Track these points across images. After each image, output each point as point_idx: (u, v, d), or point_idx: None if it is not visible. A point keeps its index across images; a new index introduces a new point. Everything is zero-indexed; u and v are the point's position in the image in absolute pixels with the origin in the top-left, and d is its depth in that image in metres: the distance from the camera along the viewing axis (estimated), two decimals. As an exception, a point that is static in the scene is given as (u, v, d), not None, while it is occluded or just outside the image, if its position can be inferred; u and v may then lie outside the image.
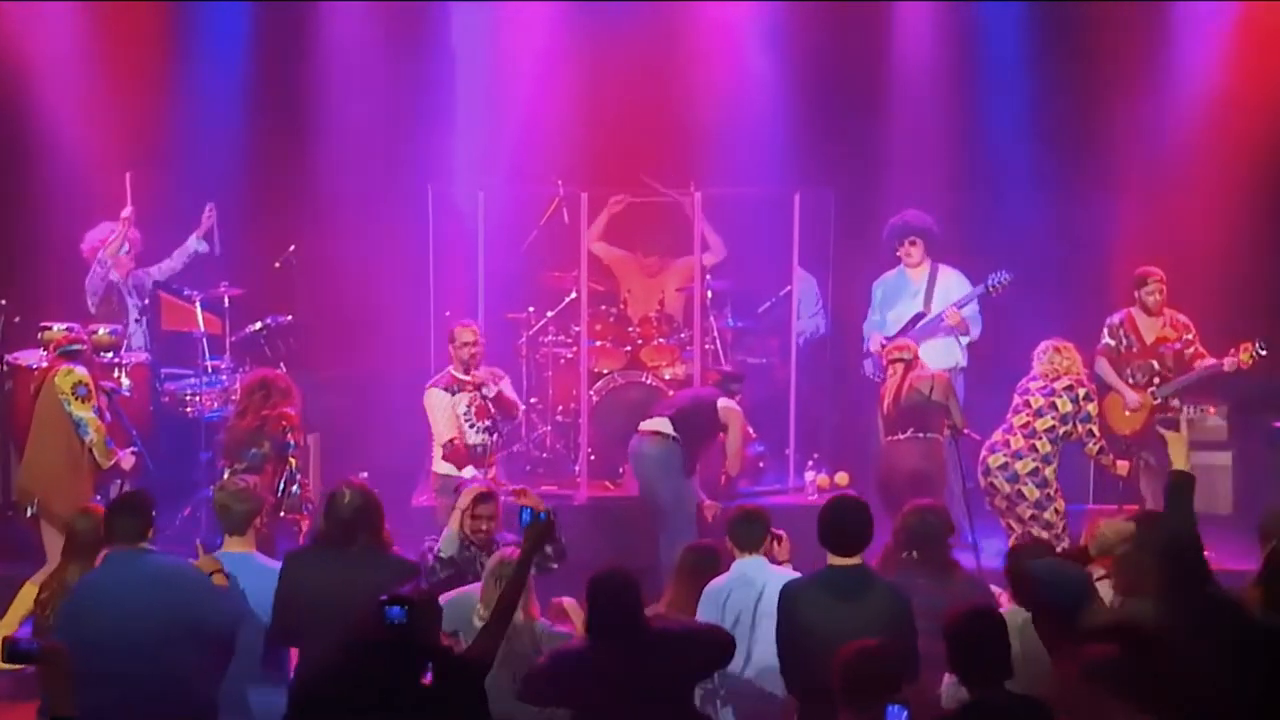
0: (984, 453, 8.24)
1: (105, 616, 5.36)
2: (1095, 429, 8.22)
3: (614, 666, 5.13)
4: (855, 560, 5.53)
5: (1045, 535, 7.88)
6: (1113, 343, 8.93)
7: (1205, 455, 9.41)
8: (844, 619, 5.30)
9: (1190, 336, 8.85)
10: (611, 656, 5.16)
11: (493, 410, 8.39)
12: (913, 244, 9.30)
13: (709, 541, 6.94)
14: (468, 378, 8.35)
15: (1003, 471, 8.12)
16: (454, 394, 8.35)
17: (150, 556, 5.56)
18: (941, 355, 9.12)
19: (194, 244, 9.71)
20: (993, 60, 10.68)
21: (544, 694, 5.28)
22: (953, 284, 9.28)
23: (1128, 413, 8.81)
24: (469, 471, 8.14)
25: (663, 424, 8.47)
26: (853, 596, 5.44)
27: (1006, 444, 8.16)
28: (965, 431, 8.33)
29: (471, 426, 8.34)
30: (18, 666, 4.72)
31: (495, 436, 8.46)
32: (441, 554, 6.52)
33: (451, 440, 8.28)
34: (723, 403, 8.59)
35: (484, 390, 8.28)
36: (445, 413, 8.32)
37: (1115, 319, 8.98)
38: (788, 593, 5.61)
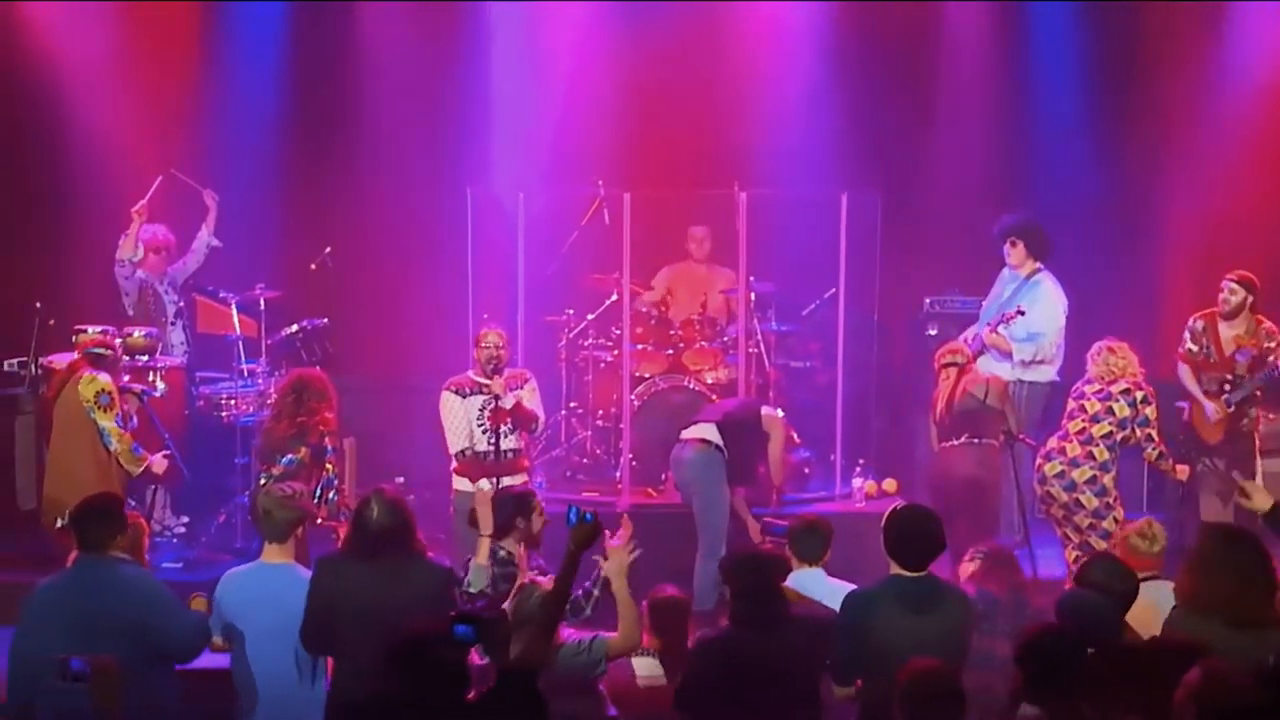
0: (1039, 460, 7.99)
1: (59, 620, 5.23)
2: (1154, 433, 7.94)
3: (759, 652, 5.10)
4: (924, 573, 5.33)
5: (1104, 545, 7.63)
6: (1195, 348, 8.68)
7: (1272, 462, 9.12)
8: (914, 633, 5.16)
9: (1273, 344, 8.54)
10: (755, 642, 5.12)
11: (508, 420, 8.02)
12: (1012, 244, 9.05)
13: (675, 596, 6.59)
14: (487, 381, 8.05)
15: (1059, 480, 7.86)
16: (466, 397, 8.08)
17: (117, 566, 5.40)
18: (1024, 371, 8.86)
19: (206, 236, 9.63)
20: (1043, 60, 10.54)
21: (698, 699, 5.24)
22: (1036, 295, 8.95)
23: (1210, 422, 8.56)
24: (483, 485, 7.88)
25: (709, 430, 8.29)
26: (923, 609, 5.28)
27: (1062, 451, 7.90)
28: (1020, 437, 8.09)
29: (484, 433, 8.02)
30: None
31: (519, 441, 8.12)
32: (470, 589, 6.12)
33: (462, 452, 8.02)
34: (766, 410, 8.49)
35: (501, 400, 7.96)
36: (458, 419, 8.03)
37: (1198, 324, 8.73)
38: (855, 602, 5.45)
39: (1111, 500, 7.84)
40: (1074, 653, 4.62)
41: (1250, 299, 8.60)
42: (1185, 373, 8.68)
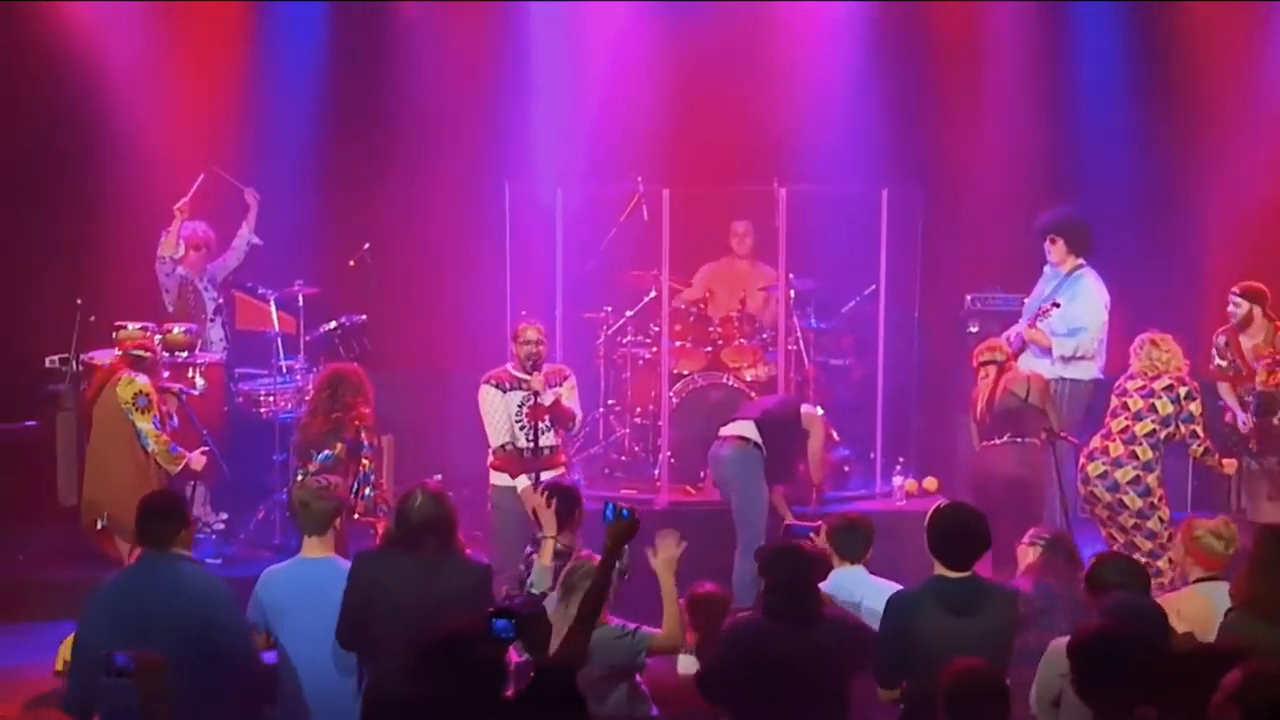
0: (1082, 460, 7.86)
1: (121, 617, 5.22)
2: (1199, 429, 7.77)
3: (789, 646, 5.08)
4: (968, 573, 5.27)
5: (1149, 545, 7.53)
6: (1223, 363, 8.58)
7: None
8: (957, 634, 5.10)
9: None
10: (787, 636, 5.10)
11: (546, 416, 7.99)
12: (1052, 242, 8.94)
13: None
14: (526, 377, 8.01)
15: (1102, 480, 7.73)
16: (506, 391, 8.04)
17: (179, 565, 5.39)
18: (1067, 368, 8.76)
19: (247, 234, 9.66)
20: (1086, 55, 10.44)
21: (721, 687, 5.21)
22: (1076, 291, 8.84)
23: (1244, 432, 8.44)
24: (522, 482, 7.86)
25: (747, 428, 8.24)
26: (966, 610, 5.22)
27: (1105, 451, 7.77)
28: (1062, 435, 7.99)
29: (521, 429, 7.98)
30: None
31: (557, 437, 8.10)
32: (534, 590, 6.07)
33: (503, 446, 7.99)
34: (806, 408, 8.45)
35: (540, 397, 7.93)
36: (498, 413, 7.99)
37: (1220, 339, 8.64)
38: (898, 603, 5.39)
39: (1156, 500, 7.70)
40: (1126, 655, 4.55)
41: (1256, 309, 8.50)
42: (1224, 389, 8.57)
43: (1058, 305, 8.65)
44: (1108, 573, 5.33)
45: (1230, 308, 8.59)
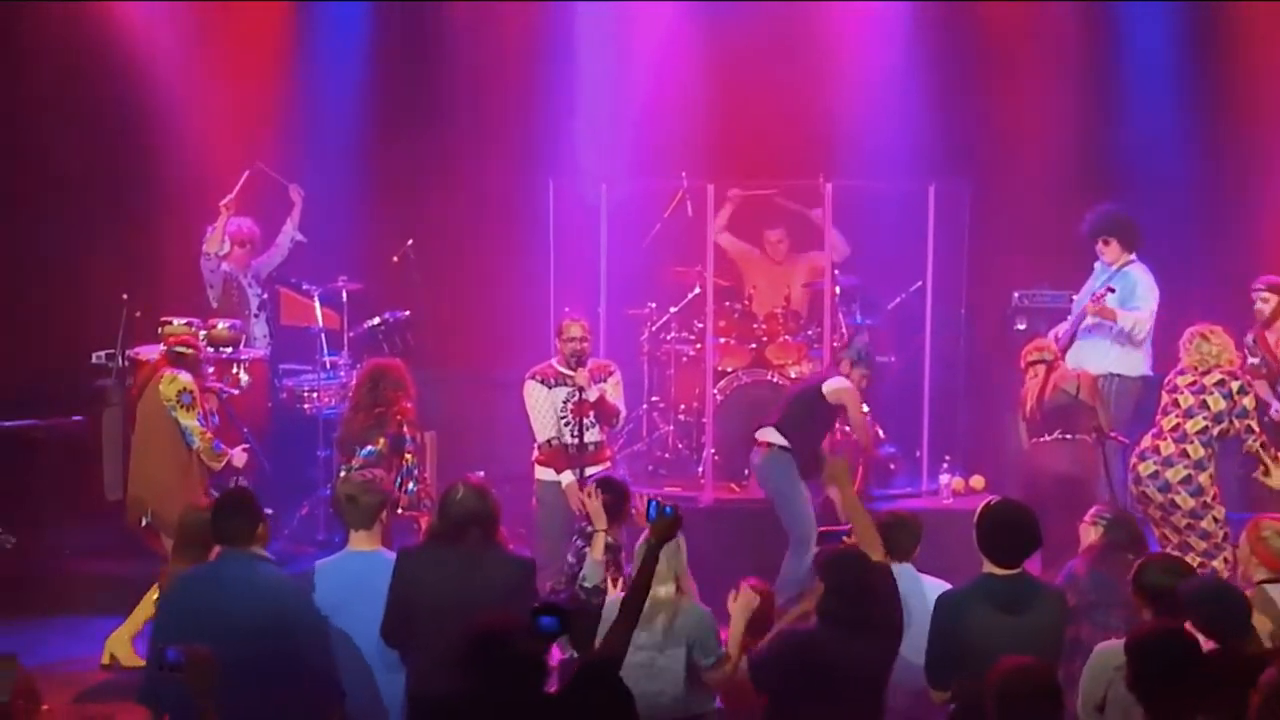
0: (1134, 459, 7.71)
1: (196, 614, 5.20)
2: (1254, 423, 7.57)
3: (841, 650, 5.06)
4: (1018, 570, 5.19)
5: (1203, 545, 7.41)
6: (1255, 360, 8.44)
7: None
8: (1007, 633, 5.04)
9: None
10: (839, 640, 5.08)
11: (591, 412, 7.94)
12: (1105, 243, 8.81)
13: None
14: (571, 372, 7.97)
15: (1153, 480, 7.56)
16: (551, 387, 8.01)
17: (256, 565, 5.37)
18: (1118, 362, 8.64)
19: (291, 230, 9.68)
20: (1135, 49, 10.32)
21: (770, 677, 5.20)
22: (1127, 282, 8.69)
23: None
24: (566, 477, 7.84)
25: (770, 433, 8.17)
26: (1016, 609, 5.15)
27: (1156, 450, 7.60)
28: (1111, 434, 7.88)
29: (566, 425, 7.94)
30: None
31: (601, 433, 8.04)
32: (586, 584, 5.97)
33: (549, 441, 7.96)
34: (829, 386, 8.16)
35: (585, 393, 7.89)
36: (543, 408, 7.96)
37: (1249, 338, 8.51)
38: (947, 602, 5.34)
39: (1209, 499, 7.53)
40: (1187, 655, 4.46)
41: None
42: (1261, 386, 8.41)
43: (1112, 290, 8.53)
44: (1154, 575, 5.22)
45: (1257, 304, 8.49)
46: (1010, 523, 5.26)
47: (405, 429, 7.93)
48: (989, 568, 5.25)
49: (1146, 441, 7.69)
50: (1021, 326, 9.80)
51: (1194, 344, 7.66)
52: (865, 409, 8.46)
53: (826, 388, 8.15)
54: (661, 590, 5.62)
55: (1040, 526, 5.30)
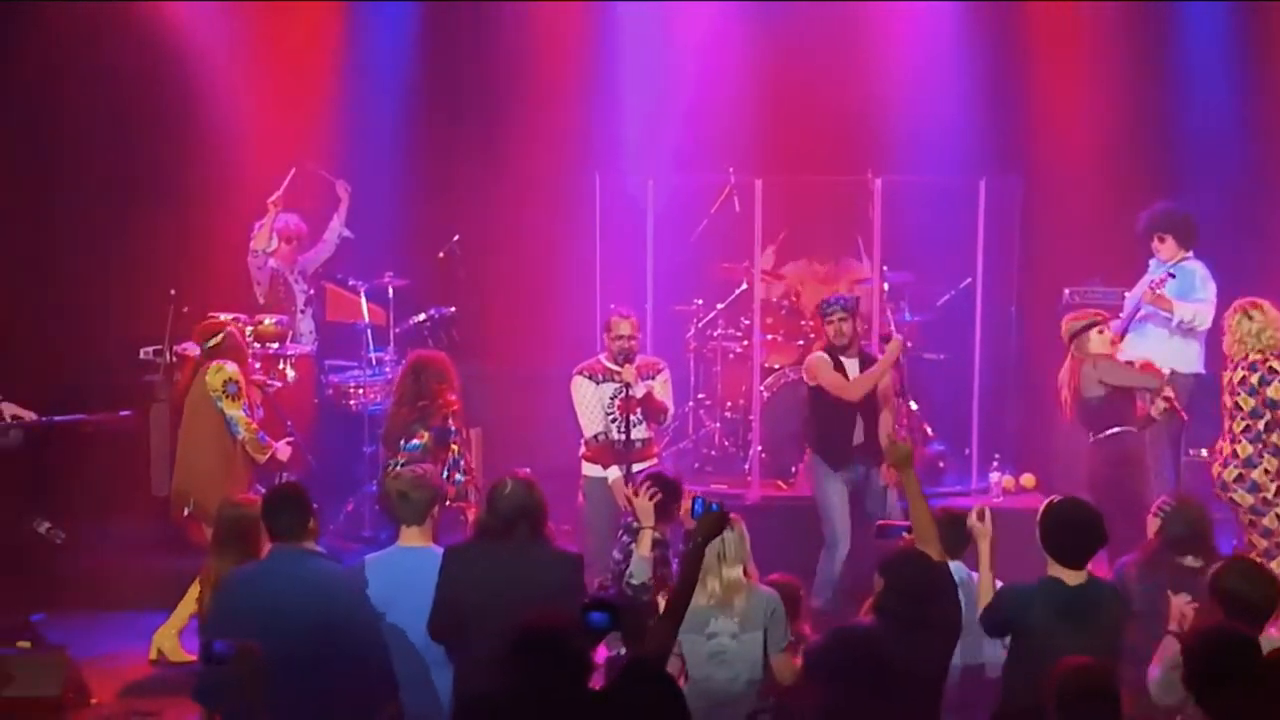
0: (1216, 469, 7.54)
1: (248, 609, 5.18)
2: None
3: (898, 647, 5.04)
4: (1083, 571, 5.12)
5: (1264, 544, 7.27)
6: None
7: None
8: (1068, 636, 4.99)
9: None
10: (897, 637, 5.06)
11: (638, 409, 7.89)
12: (1160, 240, 8.68)
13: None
14: (618, 369, 7.91)
15: (1221, 482, 7.42)
16: (599, 383, 7.97)
17: (310, 560, 5.35)
18: (1173, 356, 8.47)
19: (338, 227, 9.69)
20: (1189, 44, 10.16)
21: (825, 672, 5.21)
22: (1186, 277, 8.54)
23: None
24: (613, 473, 7.80)
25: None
26: (1079, 614, 5.11)
27: (1220, 451, 7.47)
28: (1168, 400, 7.66)
29: (613, 421, 7.90)
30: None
31: (649, 430, 7.99)
32: (634, 581, 5.98)
33: (596, 437, 7.92)
34: (806, 363, 8.11)
35: (632, 389, 7.84)
36: (590, 404, 7.93)
37: None
38: (1012, 597, 5.33)
39: (1271, 495, 7.35)
40: (1243, 656, 4.37)
41: None
42: None
43: (1173, 275, 8.40)
44: (1232, 580, 5.10)
45: None
46: (1074, 522, 5.21)
47: (450, 421, 7.91)
48: (1055, 570, 5.15)
49: (1224, 447, 7.52)
50: (1073, 323, 9.68)
51: (1235, 320, 7.42)
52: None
53: (806, 365, 8.10)
54: (733, 573, 5.65)
55: (1104, 524, 5.22)
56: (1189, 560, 5.79)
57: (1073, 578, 5.18)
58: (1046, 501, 5.37)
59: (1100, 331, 7.90)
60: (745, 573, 5.74)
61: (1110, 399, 7.82)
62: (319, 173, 9.72)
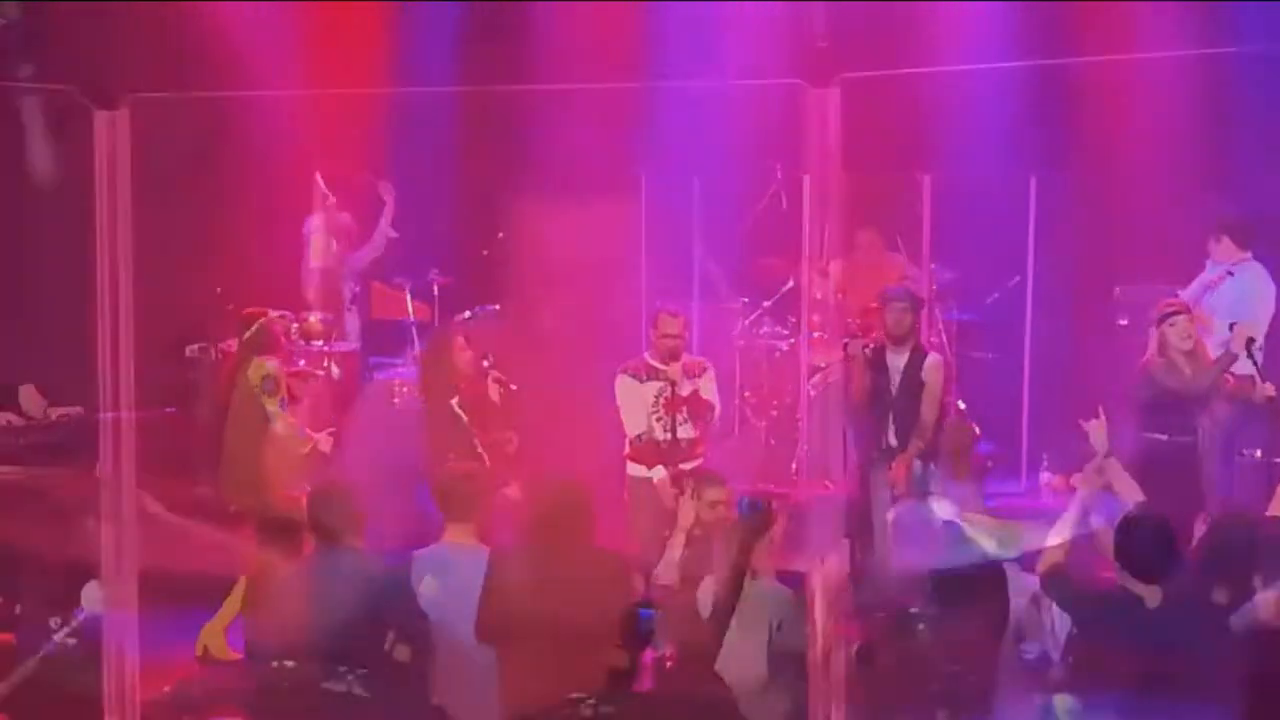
0: None
1: (303, 609, 5.16)
2: None
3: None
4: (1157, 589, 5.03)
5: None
6: None
7: None
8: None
9: None
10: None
11: (684, 408, 7.84)
12: (1216, 240, 8.54)
13: None
14: (663, 367, 7.86)
15: None
16: (643, 382, 7.91)
17: (356, 557, 5.33)
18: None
19: (385, 227, 9.71)
20: (1251, 39, 9.98)
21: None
22: (1238, 284, 8.41)
23: None
24: (658, 473, 7.74)
25: None
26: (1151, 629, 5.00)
27: None
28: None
29: (658, 420, 7.84)
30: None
31: (695, 429, 7.92)
32: (661, 581, 5.96)
33: (639, 436, 7.86)
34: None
35: (678, 388, 7.78)
36: (634, 403, 7.88)
37: None
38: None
39: None
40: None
41: None
42: None
43: (1231, 274, 8.26)
44: None
45: None
46: (1148, 537, 5.08)
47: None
48: (1131, 584, 5.07)
49: None
50: (1124, 322, 9.57)
51: None
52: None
53: None
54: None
55: (1178, 542, 5.12)
56: None
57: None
58: (1122, 517, 5.25)
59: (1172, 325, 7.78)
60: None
61: (1164, 397, 7.68)
62: (364, 174, 9.73)
